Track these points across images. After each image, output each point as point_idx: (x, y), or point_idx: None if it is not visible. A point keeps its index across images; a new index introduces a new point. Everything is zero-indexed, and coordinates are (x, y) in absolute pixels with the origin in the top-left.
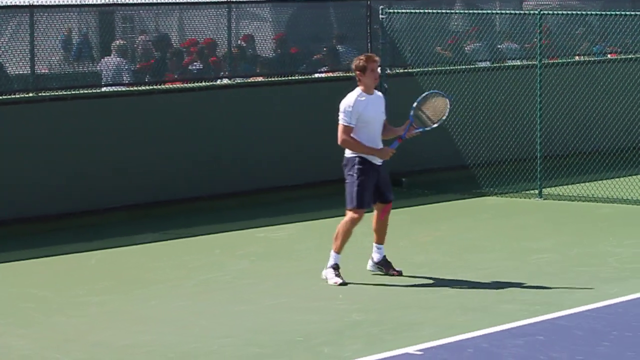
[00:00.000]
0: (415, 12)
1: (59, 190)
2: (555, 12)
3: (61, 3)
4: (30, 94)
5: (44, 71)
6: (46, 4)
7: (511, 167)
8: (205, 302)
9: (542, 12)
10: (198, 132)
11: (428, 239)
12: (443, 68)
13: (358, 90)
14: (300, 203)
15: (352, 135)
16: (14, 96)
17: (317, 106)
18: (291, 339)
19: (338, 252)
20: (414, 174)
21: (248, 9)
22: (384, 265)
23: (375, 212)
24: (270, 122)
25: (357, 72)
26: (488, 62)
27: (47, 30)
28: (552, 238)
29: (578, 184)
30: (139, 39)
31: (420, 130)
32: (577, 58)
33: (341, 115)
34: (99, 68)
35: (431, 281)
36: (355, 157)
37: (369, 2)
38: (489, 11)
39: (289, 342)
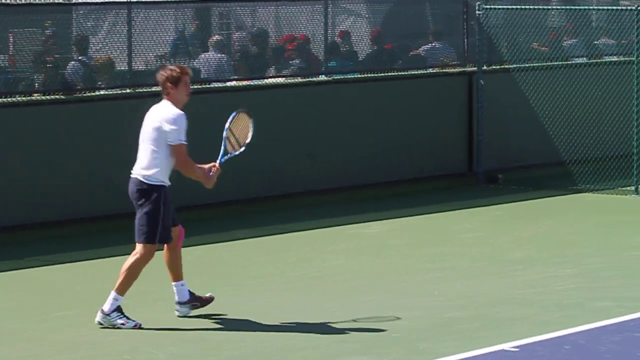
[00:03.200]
0: (512, 8)
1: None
2: None
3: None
4: (128, 90)
5: (140, 68)
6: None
7: (608, 163)
8: (300, 298)
9: (639, 8)
10: (295, 128)
11: (525, 235)
12: (540, 64)
13: (168, 104)
14: (391, 200)
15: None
16: (112, 92)
17: (412, 104)
18: (387, 335)
19: (123, 294)
20: (510, 171)
21: (344, 5)
22: (195, 300)
23: (166, 246)
24: (366, 118)
25: (169, 85)
26: (585, 58)
27: (144, 26)
28: None
29: None
30: (236, 35)
31: (232, 155)
32: None
33: (177, 135)
34: (197, 64)
35: (527, 277)
36: (160, 185)
37: None
38: (586, 7)
39: (385, 337)
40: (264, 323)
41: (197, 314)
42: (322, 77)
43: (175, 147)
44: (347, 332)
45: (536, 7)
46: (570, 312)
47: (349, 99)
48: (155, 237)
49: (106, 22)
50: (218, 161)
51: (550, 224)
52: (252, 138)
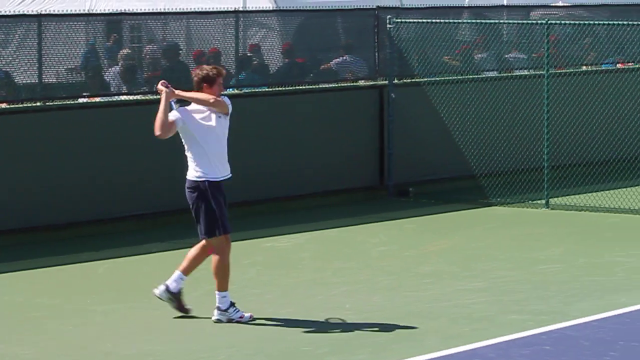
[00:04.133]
0: (423, 22)
1: (67, 199)
2: (562, 21)
3: (69, 12)
4: (38, 103)
5: (51, 80)
6: (54, 13)
7: (518, 177)
8: (210, 312)
9: (549, 22)
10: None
11: (434, 248)
12: (450, 78)
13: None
14: (303, 213)
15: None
16: (21, 105)
17: (323, 117)
18: (297, 348)
19: (227, 289)
20: (421, 184)
21: (255, 18)
22: (178, 299)
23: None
24: (278, 131)
25: (205, 85)
26: (495, 72)
27: (54, 39)
28: (559, 248)
29: (585, 194)
30: (147, 49)
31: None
32: (584, 68)
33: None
34: (106, 77)
35: (437, 291)
36: (205, 180)
37: (376, 12)
38: (496, 21)
39: (295, 351)
40: (178, 336)
41: (112, 326)
42: (233, 91)
43: None
44: (256, 345)
45: (447, 20)
46: (480, 326)
47: (260, 112)
48: (221, 229)
49: (16, 35)
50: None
51: (461, 238)
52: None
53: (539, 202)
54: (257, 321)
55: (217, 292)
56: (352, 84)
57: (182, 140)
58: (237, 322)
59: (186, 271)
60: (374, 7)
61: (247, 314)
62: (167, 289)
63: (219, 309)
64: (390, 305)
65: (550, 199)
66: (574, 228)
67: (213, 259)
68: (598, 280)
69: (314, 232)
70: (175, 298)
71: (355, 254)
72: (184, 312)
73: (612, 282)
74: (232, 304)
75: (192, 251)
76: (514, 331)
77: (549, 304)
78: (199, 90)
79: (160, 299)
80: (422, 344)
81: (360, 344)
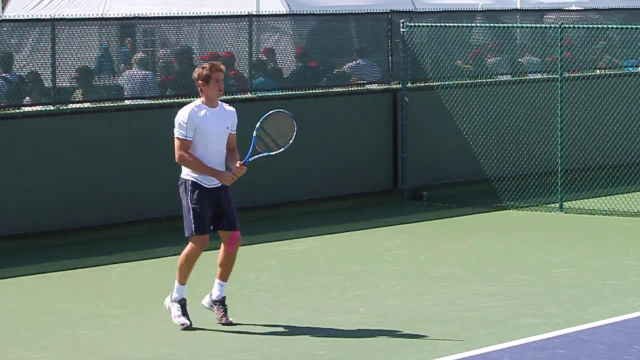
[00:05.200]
0: (436, 26)
1: (80, 203)
2: (576, 25)
3: (82, 17)
4: (52, 107)
5: (65, 84)
6: (67, 17)
7: (532, 180)
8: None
9: (563, 26)
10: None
11: (448, 252)
12: (464, 81)
13: (197, 101)
14: (317, 217)
15: (190, 151)
16: (36, 109)
17: (337, 121)
18: (310, 352)
19: (183, 283)
20: (435, 188)
21: (269, 22)
22: (220, 308)
23: (222, 244)
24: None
25: (200, 82)
26: (509, 76)
27: (68, 43)
28: (573, 251)
29: (599, 198)
30: (160, 53)
31: (265, 154)
32: (598, 72)
33: (176, 129)
34: (121, 81)
35: (451, 295)
36: (189, 179)
37: (390, 16)
38: (510, 25)
39: (309, 355)
40: (189, 341)
41: (124, 331)
42: (247, 95)
43: (175, 139)
44: (270, 349)
45: (460, 24)
46: (495, 329)
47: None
48: (193, 228)
49: (30, 39)
50: (244, 159)
51: (475, 241)
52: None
53: (552, 205)
54: (271, 324)
55: (176, 282)
56: (365, 88)
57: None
58: (173, 317)
59: (223, 276)
60: (388, 11)
61: (183, 320)
62: (213, 300)
63: (170, 296)
64: (404, 309)
65: (564, 203)
66: (588, 232)
67: (184, 251)
68: (612, 284)
69: (328, 236)
70: (219, 305)
71: (369, 258)
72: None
73: (626, 286)
74: (181, 303)
75: (219, 258)
76: (528, 335)
77: (563, 308)
78: (199, 89)
79: (209, 309)
80: (436, 348)
81: (374, 348)
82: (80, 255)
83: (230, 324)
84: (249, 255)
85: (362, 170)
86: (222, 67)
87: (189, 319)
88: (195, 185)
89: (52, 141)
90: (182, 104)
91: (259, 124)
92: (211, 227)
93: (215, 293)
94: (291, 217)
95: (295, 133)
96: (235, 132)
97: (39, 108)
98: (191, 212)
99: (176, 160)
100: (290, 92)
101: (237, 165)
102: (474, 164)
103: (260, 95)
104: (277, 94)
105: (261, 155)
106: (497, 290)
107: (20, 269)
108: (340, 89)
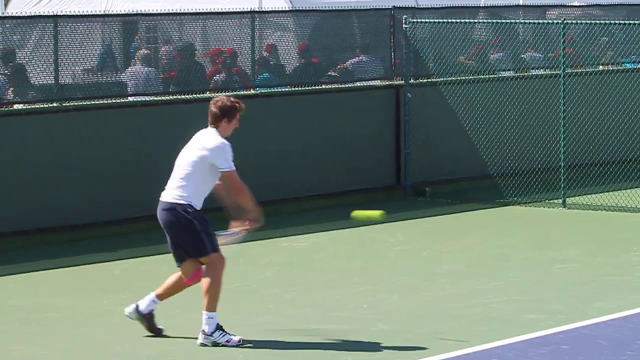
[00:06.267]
0: (439, 22)
1: (83, 200)
2: (578, 21)
3: (85, 13)
4: (54, 104)
5: (67, 81)
6: (70, 14)
7: (535, 176)
8: (228, 312)
9: (565, 22)
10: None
11: (452, 248)
12: (466, 77)
13: (217, 132)
14: (320, 213)
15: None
16: (38, 106)
17: (339, 117)
18: (314, 347)
19: (215, 310)
20: (437, 184)
21: (271, 18)
22: (149, 320)
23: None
24: (293, 131)
25: (224, 119)
26: (511, 72)
27: (71, 40)
28: (576, 247)
29: (602, 194)
30: (163, 49)
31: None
32: (600, 67)
33: (225, 162)
34: (123, 78)
35: (454, 291)
36: (187, 203)
37: (392, 12)
38: (512, 20)
39: (313, 351)
40: (194, 337)
41: (128, 328)
42: (250, 91)
43: (228, 173)
44: (275, 345)
45: (463, 20)
46: (498, 325)
47: (276, 112)
48: (207, 246)
49: (33, 36)
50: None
51: (478, 237)
52: None
53: (555, 201)
54: (275, 320)
55: (204, 311)
56: (368, 84)
57: (195, 165)
58: (224, 345)
59: (161, 297)
60: (390, 7)
61: (235, 338)
62: (137, 309)
63: (203, 332)
64: (407, 305)
65: (567, 199)
66: (591, 228)
67: (205, 277)
68: (615, 279)
69: (331, 232)
70: (145, 318)
71: (373, 254)
72: (156, 332)
73: (629, 282)
74: (219, 327)
75: (171, 278)
76: (531, 331)
77: (566, 304)
78: (215, 121)
79: (129, 317)
80: (439, 344)
81: (378, 344)
82: (84, 252)
83: (161, 332)
84: (253, 252)
85: (365, 166)
86: (243, 106)
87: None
88: (193, 207)
89: (55, 138)
90: (186, 101)
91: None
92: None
93: (145, 305)
94: (294, 213)
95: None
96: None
97: (42, 105)
98: (203, 234)
99: (236, 191)
100: (292, 89)
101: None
102: (477, 160)
103: (262, 91)
104: (280, 90)
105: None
106: (500, 286)
107: (23, 266)
108: (343, 85)
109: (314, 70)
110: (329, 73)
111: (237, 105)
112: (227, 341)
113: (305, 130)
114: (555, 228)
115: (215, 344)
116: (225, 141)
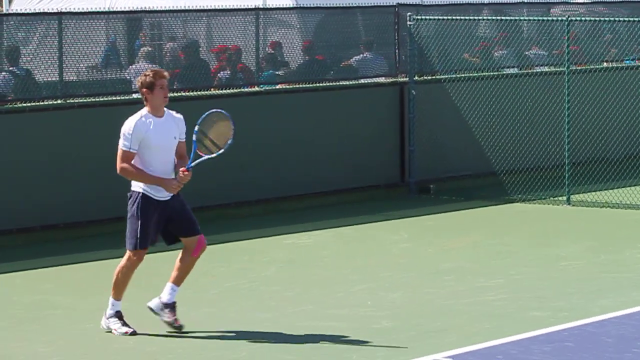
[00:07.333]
0: (443, 19)
1: (86, 197)
2: (582, 18)
3: (89, 10)
4: (59, 101)
5: (72, 78)
6: (74, 11)
7: (539, 173)
8: (230, 309)
9: (569, 19)
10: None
11: (455, 245)
12: (471, 75)
13: (143, 111)
14: (324, 210)
15: (133, 162)
16: (42, 103)
17: (344, 114)
18: (317, 345)
19: (118, 299)
20: (442, 181)
21: (275, 15)
22: (169, 312)
23: (183, 249)
24: (298, 129)
25: (144, 90)
26: (516, 69)
27: (75, 37)
28: (580, 244)
29: (606, 191)
30: (167, 46)
31: (206, 157)
32: (605, 64)
33: (121, 140)
34: (127, 75)
35: (458, 288)
36: (139, 192)
37: (396, 9)
38: (516, 18)
39: (316, 348)
40: (197, 333)
41: (130, 324)
42: (254, 88)
43: (119, 150)
44: (278, 341)
45: (467, 17)
46: (501, 322)
47: (280, 109)
48: (136, 243)
49: (37, 33)
50: (187, 165)
51: (482, 234)
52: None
53: (560, 198)
54: (278, 317)
55: (110, 297)
56: (372, 81)
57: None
58: (114, 331)
59: (177, 281)
60: (394, 4)
61: (127, 329)
62: (161, 302)
63: (105, 316)
64: (411, 302)
65: (572, 196)
66: (595, 225)
67: (120, 265)
68: (619, 277)
69: (334, 229)
70: (170, 310)
71: (376, 251)
72: (176, 326)
73: (633, 279)
74: (117, 315)
75: (178, 260)
76: (535, 328)
77: (570, 301)
78: (143, 97)
79: (154, 312)
80: (443, 341)
81: (381, 341)
82: (86, 249)
83: (182, 328)
84: (256, 249)
85: (369, 163)
86: (166, 73)
87: (130, 326)
88: (145, 198)
89: (59, 135)
90: (190, 98)
91: (197, 126)
92: (171, 239)
93: (167, 297)
94: (298, 210)
95: (233, 132)
96: (184, 140)
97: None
98: (139, 226)
99: (117, 172)
100: (296, 86)
101: (181, 171)
102: (481, 157)
103: (266, 88)
104: (284, 87)
105: (203, 159)
106: (503, 283)
107: (25, 263)
108: (347, 82)
109: (318, 68)
110: (334, 70)
111: (150, 74)
112: (116, 329)
113: (309, 127)
114: (559, 225)
115: (109, 329)
116: (129, 120)
